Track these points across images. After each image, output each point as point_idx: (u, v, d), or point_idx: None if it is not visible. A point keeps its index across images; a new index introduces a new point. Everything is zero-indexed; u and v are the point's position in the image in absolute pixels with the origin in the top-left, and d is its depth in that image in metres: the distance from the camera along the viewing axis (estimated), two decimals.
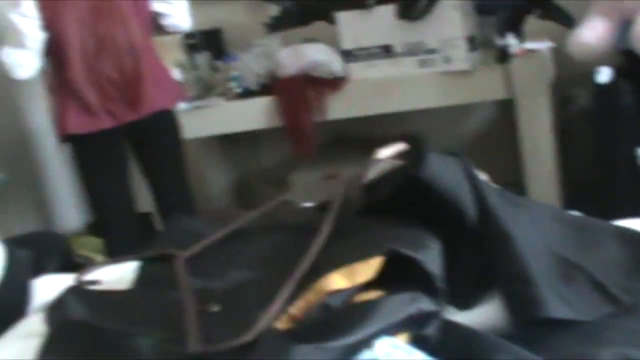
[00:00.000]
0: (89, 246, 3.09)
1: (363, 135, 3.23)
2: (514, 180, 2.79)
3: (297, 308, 0.77)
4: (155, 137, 2.56)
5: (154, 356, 0.74)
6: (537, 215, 0.99)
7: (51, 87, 2.51)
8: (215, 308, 0.79)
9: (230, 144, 3.56)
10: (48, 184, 3.54)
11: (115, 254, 2.48)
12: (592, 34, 1.87)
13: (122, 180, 2.58)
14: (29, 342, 0.92)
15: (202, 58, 3.13)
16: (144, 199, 2.84)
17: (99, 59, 2.34)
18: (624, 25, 1.89)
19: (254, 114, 2.83)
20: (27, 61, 2.35)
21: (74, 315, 0.83)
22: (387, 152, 1.35)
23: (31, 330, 1.01)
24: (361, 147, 1.37)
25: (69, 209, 3.59)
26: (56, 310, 0.88)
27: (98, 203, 2.60)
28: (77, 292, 0.92)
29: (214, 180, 3.48)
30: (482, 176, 1.12)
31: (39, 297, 1.28)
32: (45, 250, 2.12)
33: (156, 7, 2.48)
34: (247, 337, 0.69)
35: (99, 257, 2.74)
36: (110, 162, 2.53)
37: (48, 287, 1.30)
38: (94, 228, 3.27)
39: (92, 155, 2.49)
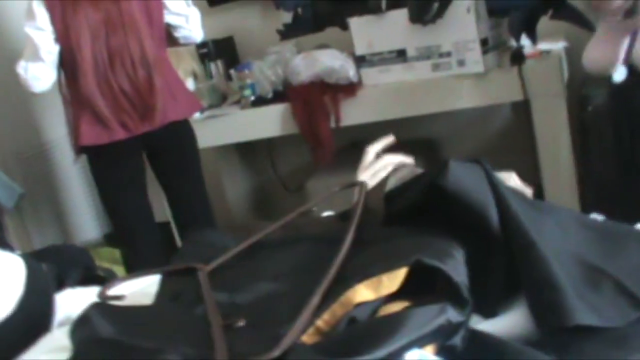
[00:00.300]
0: (107, 257, 3.11)
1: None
2: (532, 183, 2.77)
3: (324, 321, 0.76)
4: (171, 147, 2.58)
5: None
6: (561, 221, 0.98)
7: (66, 100, 2.54)
8: (241, 322, 0.78)
9: (246, 152, 3.57)
10: (65, 196, 3.56)
11: (135, 265, 2.50)
12: (598, 54, 1.89)
13: (139, 190, 2.59)
14: (56, 357, 0.92)
15: (216, 67, 3.14)
16: (162, 209, 2.86)
17: (112, 71, 2.36)
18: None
19: (269, 122, 2.84)
20: (43, 74, 2.38)
21: (99, 332, 0.83)
22: (376, 147, 1.35)
23: (57, 344, 1.01)
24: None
25: (86, 221, 3.61)
26: (81, 326, 0.88)
27: (116, 214, 2.62)
28: (102, 308, 0.92)
29: (231, 189, 3.49)
30: (513, 178, 1.12)
31: (61, 311, 1.29)
32: (67, 264, 2.13)
33: (169, 19, 2.50)
34: (275, 353, 0.69)
35: (119, 269, 2.76)
36: (126, 173, 2.55)
37: (71, 300, 1.30)
38: (112, 239, 3.29)
39: (107, 166, 2.52)
